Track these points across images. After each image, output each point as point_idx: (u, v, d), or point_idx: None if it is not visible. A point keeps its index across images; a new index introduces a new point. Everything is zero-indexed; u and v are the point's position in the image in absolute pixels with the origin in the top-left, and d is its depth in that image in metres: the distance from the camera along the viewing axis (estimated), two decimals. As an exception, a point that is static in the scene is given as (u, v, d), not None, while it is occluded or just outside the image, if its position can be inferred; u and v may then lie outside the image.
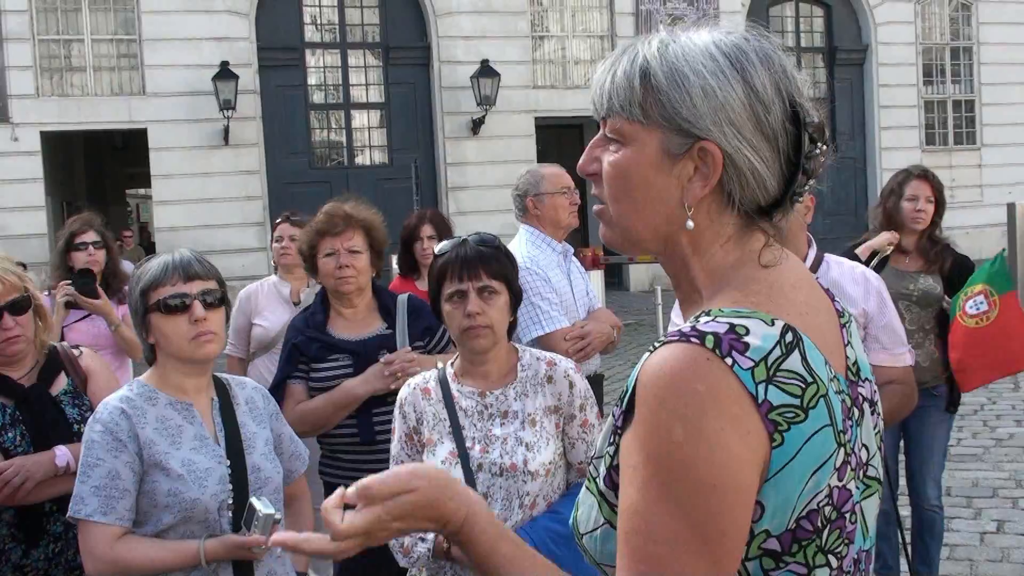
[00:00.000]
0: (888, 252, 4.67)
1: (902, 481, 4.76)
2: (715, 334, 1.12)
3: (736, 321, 1.14)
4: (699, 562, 1.07)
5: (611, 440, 1.21)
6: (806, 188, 1.24)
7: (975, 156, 23.13)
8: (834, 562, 1.17)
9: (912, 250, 4.67)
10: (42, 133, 17.57)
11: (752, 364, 1.10)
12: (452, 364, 2.73)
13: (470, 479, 2.52)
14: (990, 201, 21.99)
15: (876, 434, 1.32)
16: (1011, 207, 13.47)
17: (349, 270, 3.52)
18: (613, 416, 1.22)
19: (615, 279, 20.17)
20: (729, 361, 1.10)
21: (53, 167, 18.60)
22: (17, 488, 2.79)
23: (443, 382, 2.68)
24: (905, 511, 4.86)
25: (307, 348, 3.53)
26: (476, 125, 19.45)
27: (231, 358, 4.82)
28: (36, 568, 2.88)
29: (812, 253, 3.08)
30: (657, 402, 1.10)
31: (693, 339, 1.12)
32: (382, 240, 3.69)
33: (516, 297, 2.71)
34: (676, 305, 4.23)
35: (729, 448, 1.08)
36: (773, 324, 1.15)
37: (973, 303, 4.38)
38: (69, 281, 4.90)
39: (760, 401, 1.10)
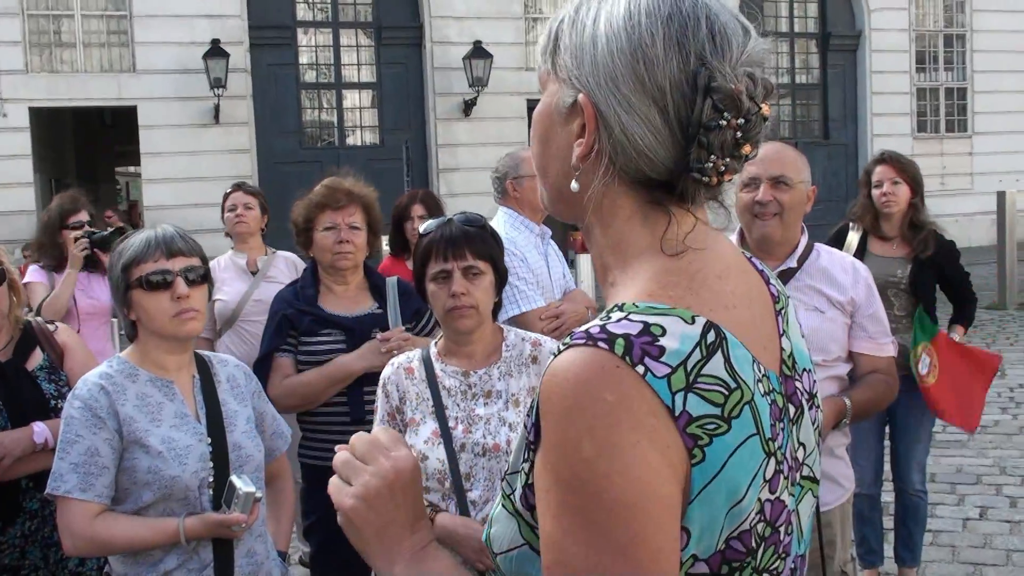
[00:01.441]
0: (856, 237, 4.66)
1: (887, 467, 4.78)
2: (626, 337, 0.99)
3: (651, 320, 1.02)
4: None
5: (525, 455, 1.09)
6: (711, 165, 1.06)
7: (966, 144, 23.14)
8: None
9: (895, 236, 4.65)
10: (31, 109, 17.44)
11: (668, 371, 0.98)
12: (436, 343, 2.72)
13: (453, 459, 2.51)
14: (980, 189, 22.01)
15: (815, 429, 1.23)
16: (1001, 195, 13.57)
17: (348, 245, 3.51)
18: (525, 428, 1.10)
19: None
20: (641, 369, 0.97)
21: (42, 144, 18.48)
22: None
23: (427, 361, 2.66)
24: (889, 496, 4.88)
25: (298, 321, 3.49)
26: (468, 106, 19.38)
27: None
28: (12, 545, 2.87)
29: (804, 240, 3.08)
30: (561, 415, 0.98)
31: (601, 343, 0.99)
32: (378, 219, 3.68)
33: (502, 277, 2.69)
34: None
35: (647, 461, 0.96)
36: (693, 322, 1.03)
37: (922, 364, 4.42)
38: (91, 232, 4.87)
39: (677, 414, 0.98)
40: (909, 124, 22.63)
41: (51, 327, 3.12)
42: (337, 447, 1.26)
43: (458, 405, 2.59)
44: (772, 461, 1.06)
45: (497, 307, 2.74)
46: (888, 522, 4.92)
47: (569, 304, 4.03)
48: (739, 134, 1.06)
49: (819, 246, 3.19)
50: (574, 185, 1.12)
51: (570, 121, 1.12)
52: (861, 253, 4.64)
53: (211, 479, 2.50)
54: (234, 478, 2.45)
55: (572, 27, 1.12)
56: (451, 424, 2.56)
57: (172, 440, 2.47)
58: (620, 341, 0.99)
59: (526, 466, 1.09)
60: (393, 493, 1.20)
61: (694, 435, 0.98)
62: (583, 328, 1.03)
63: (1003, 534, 5.33)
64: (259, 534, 2.62)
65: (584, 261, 15.72)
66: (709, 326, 1.04)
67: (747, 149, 1.08)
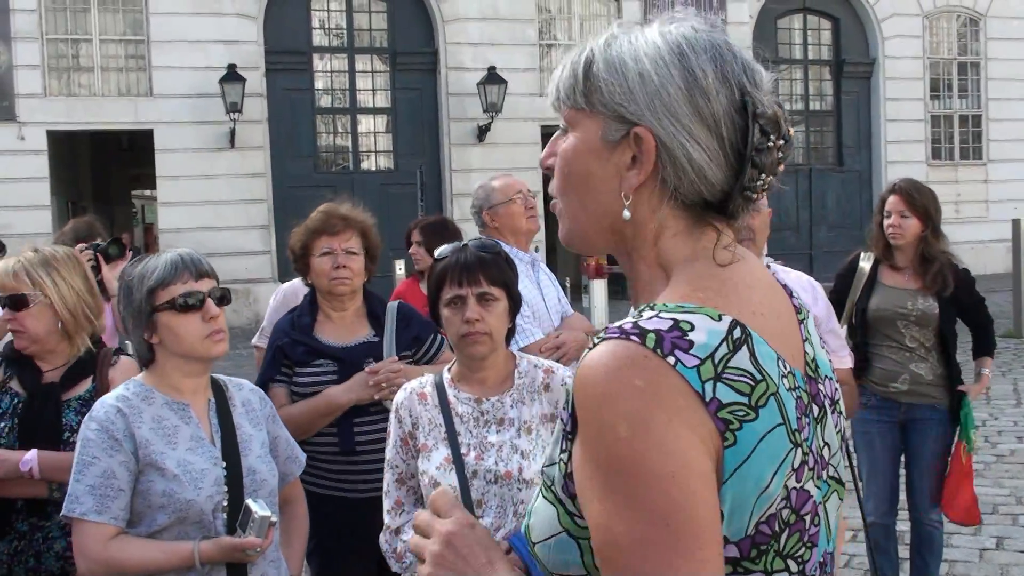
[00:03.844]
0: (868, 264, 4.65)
1: (902, 496, 4.74)
2: (657, 331, 1.07)
3: (680, 317, 1.09)
4: (677, 558, 1.01)
5: (563, 447, 1.17)
6: (760, 183, 1.18)
7: (981, 171, 23.10)
8: (794, 567, 1.13)
9: (907, 267, 4.58)
10: (49, 132, 17.59)
11: (697, 362, 1.06)
12: (449, 369, 2.72)
13: (464, 486, 2.51)
14: (996, 217, 21.94)
15: (838, 432, 1.28)
16: (1016, 223, 13.52)
17: (345, 271, 3.48)
18: (562, 421, 1.18)
19: (619, 288, 20.14)
20: (672, 360, 1.05)
21: (59, 167, 18.62)
22: None
23: (440, 387, 2.66)
24: (904, 526, 4.84)
25: (291, 351, 3.48)
26: (482, 132, 19.46)
27: (262, 351, 4.80)
28: (0, 562, 2.88)
29: (764, 261, 3.14)
30: (596, 402, 1.05)
31: (633, 336, 1.07)
32: (376, 244, 3.65)
33: (516, 303, 2.70)
34: None
35: (679, 435, 1.02)
36: (720, 320, 1.11)
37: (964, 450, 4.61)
38: (96, 244, 4.89)
39: (708, 399, 1.05)
40: (923, 151, 22.60)
41: (114, 359, 3.11)
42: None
43: (470, 432, 2.59)
44: (799, 451, 1.12)
45: (510, 333, 2.74)
46: (903, 552, 4.88)
47: (568, 332, 4.00)
48: (780, 154, 1.19)
49: (775, 265, 3.24)
50: (626, 213, 1.19)
51: (617, 154, 1.19)
52: (871, 283, 4.62)
53: (225, 503, 2.50)
54: (250, 502, 2.45)
55: (608, 65, 1.19)
56: (463, 451, 2.56)
57: (187, 463, 2.48)
58: (651, 335, 1.06)
59: (564, 456, 1.16)
60: (456, 551, 1.24)
61: (725, 419, 1.05)
62: (616, 324, 1.11)
63: (1020, 564, 5.28)
64: (272, 559, 2.61)
65: (597, 286, 15.74)
66: (735, 323, 1.12)
67: (782, 167, 1.20)
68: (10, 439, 2.90)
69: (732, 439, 1.05)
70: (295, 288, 4.84)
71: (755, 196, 1.20)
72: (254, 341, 4.79)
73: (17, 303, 2.96)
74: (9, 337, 3.16)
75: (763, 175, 1.18)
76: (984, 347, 4.81)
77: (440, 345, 3.60)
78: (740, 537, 1.08)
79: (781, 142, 1.18)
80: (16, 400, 2.95)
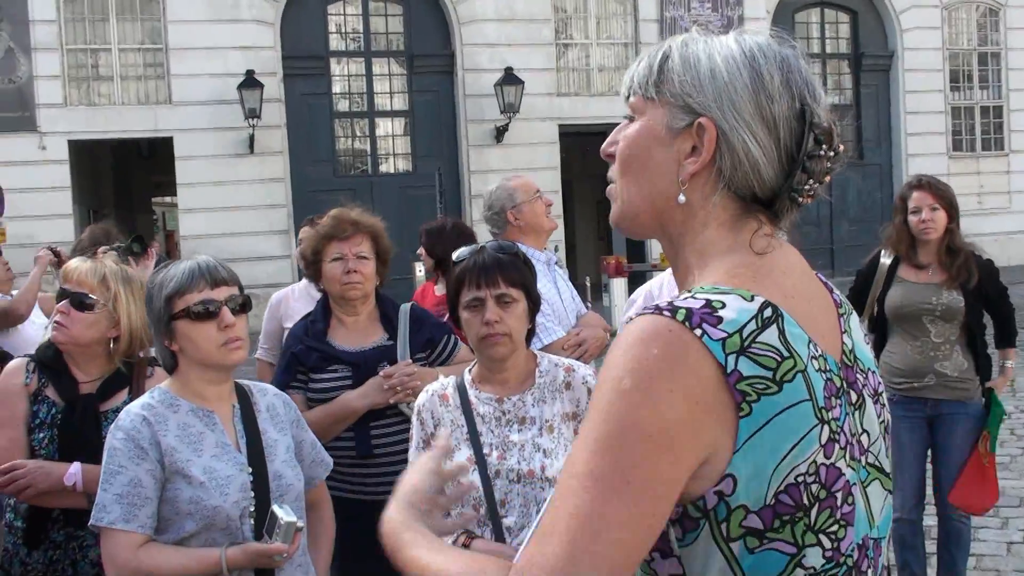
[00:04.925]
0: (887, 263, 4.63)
1: (929, 491, 4.71)
2: (688, 308, 1.14)
3: (713, 297, 1.16)
4: (619, 504, 1.09)
5: None
6: (807, 187, 1.26)
7: (1003, 162, 22.91)
8: (827, 543, 1.17)
9: (932, 262, 4.55)
10: (70, 142, 17.74)
11: (724, 335, 1.12)
12: (470, 370, 2.73)
13: (487, 486, 2.52)
14: (1019, 207, 21.80)
15: (881, 423, 1.33)
16: (1039, 213, 13.33)
17: (356, 275, 3.48)
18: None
19: (639, 286, 20.10)
20: (698, 332, 1.12)
21: (80, 176, 18.77)
22: (22, 489, 2.82)
23: (461, 388, 2.67)
24: (931, 521, 4.81)
25: (306, 358, 3.48)
26: (500, 133, 19.48)
27: (262, 363, 4.82)
28: (36, 569, 2.90)
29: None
30: (615, 359, 1.14)
31: (665, 312, 1.14)
32: (387, 248, 3.65)
33: (535, 304, 2.70)
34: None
35: (675, 408, 1.10)
36: (752, 300, 1.17)
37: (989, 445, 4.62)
38: (118, 245, 4.94)
39: (729, 371, 1.11)
40: (944, 143, 22.45)
41: (150, 371, 3.12)
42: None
43: (492, 432, 2.59)
44: (826, 429, 1.17)
45: (530, 334, 2.74)
46: (931, 547, 4.85)
47: (588, 330, 4.01)
48: (830, 164, 1.26)
49: None
50: (682, 198, 1.26)
51: (680, 141, 1.27)
52: (891, 279, 4.59)
53: (252, 508, 2.51)
54: (276, 507, 2.45)
55: (684, 60, 1.28)
56: (486, 451, 2.56)
57: (213, 470, 2.49)
58: (683, 311, 1.14)
59: None
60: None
61: (743, 391, 1.11)
62: (654, 302, 1.18)
63: (1048, 558, 5.23)
64: (299, 563, 2.62)
65: (617, 285, 15.72)
66: (766, 304, 1.18)
67: (828, 178, 1.28)
68: (50, 450, 2.91)
69: (748, 410, 1.11)
70: (283, 296, 4.86)
71: (801, 200, 1.27)
72: (258, 355, 4.78)
73: (80, 303, 2.97)
74: (43, 340, 3.17)
75: (811, 180, 1.25)
76: (1008, 338, 4.79)
77: (454, 346, 3.61)
78: (760, 506, 1.13)
79: (832, 154, 1.25)
80: (54, 410, 2.96)
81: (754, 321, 1.14)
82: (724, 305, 1.15)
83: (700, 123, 1.24)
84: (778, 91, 1.24)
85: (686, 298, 1.17)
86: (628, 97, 1.34)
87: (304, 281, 5.01)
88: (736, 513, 1.13)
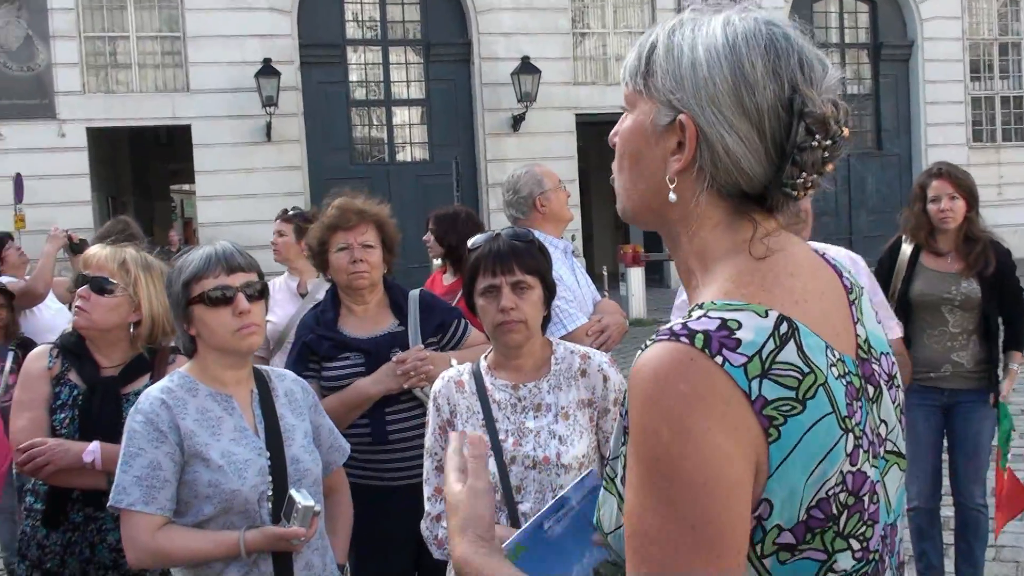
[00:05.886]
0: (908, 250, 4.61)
1: (945, 481, 4.70)
2: (705, 332, 1.11)
3: (728, 316, 1.13)
4: (698, 561, 1.07)
5: (623, 440, 1.23)
6: (801, 181, 1.20)
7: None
8: (856, 545, 1.16)
9: (951, 251, 4.54)
10: (88, 129, 17.83)
11: (745, 360, 1.09)
12: (486, 357, 2.74)
13: (503, 472, 2.52)
14: (1039, 198, 21.62)
15: (896, 407, 1.31)
16: (1060, 204, 13.25)
17: (363, 264, 3.48)
18: (622, 416, 1.24)
19: (656, 276, 20.09)
20: (719, 360, 1.09)
21: (99, 163, 18.87)
22: (40, 467, 2.84)
23: (477, 375, 2.68)
24: (948, 511, 4.79)
25: (318, 346, 3.49)
26: (517, 122, 19.46)
27: (259, 359, 4.87)
28: (53, 551, 2.93)
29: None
30: (643, 404, 1.10)
31: (683, 338, 1.11)
32: (394, 236, 3.64)
33: (550, 291, 2.70)
34: (678, 296, 4.22)
35: (717, 445, 1.07)
36: (767, 316, 1.14)
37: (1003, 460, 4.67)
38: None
39: (754, 398, 1.08)
40: (964, 134, 22.29)
41: (172, 357, 3.14)
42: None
43: (508, 418, 2.60)
44: (851, 437, 1.15)
45: (546, 321, 2.74)
46: (948, 537, 4.83)
47: (609, 316, 4.02)
48: (826, 154, 1.19)
49: (815, 244, 3.25)
50: (672, 196, 1.23)
51: (665, 138, 1.23)
52: (912, 267, 4.57)
53: (270, 492, 2.53)
54: (293, 492, 2.48)
55: (667, 51, 1.23)
56: (501, 437, 2.57)
57: (232, 454, 2.51)
58: (700, 336, 1.10)
59: (624, 450, 1.21)
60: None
61: (770, 416, 1.09)
62: (667, 326, 1.15)
63: (1065, 550, 5.21)
64: (317, 547, 2.64)
65: (634, 274, 15.71)
66: (781, 319, 1.14)
67: (830, 167, 1.21)
68: (71, 430, 2.94)
69: (776, 434, 1.09)
70: (273, 286, 4.87)
71: (796, 194, 1.21)
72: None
73: (100, 288, 2.99)
74: (67, 327, 3.20)
75: (804, 173, 1.19)
76: (1016, 339, 4.75)
77: (465, 329, 3.62)
78: (793, 523, 1.12)
79: (828, 142, 1.18)
80: (76, 392, 2.99)
81: (772, 340, 1.12)
82: (740, 325, 1.11)
83: (680, 121, 1.20)
84: (762, 81, 1.17)
85: (700, 317, 1.13)
86: (624, 88, 1.31)
87: (285, 275, 5.06)
88: (771, 533, 1.12)
